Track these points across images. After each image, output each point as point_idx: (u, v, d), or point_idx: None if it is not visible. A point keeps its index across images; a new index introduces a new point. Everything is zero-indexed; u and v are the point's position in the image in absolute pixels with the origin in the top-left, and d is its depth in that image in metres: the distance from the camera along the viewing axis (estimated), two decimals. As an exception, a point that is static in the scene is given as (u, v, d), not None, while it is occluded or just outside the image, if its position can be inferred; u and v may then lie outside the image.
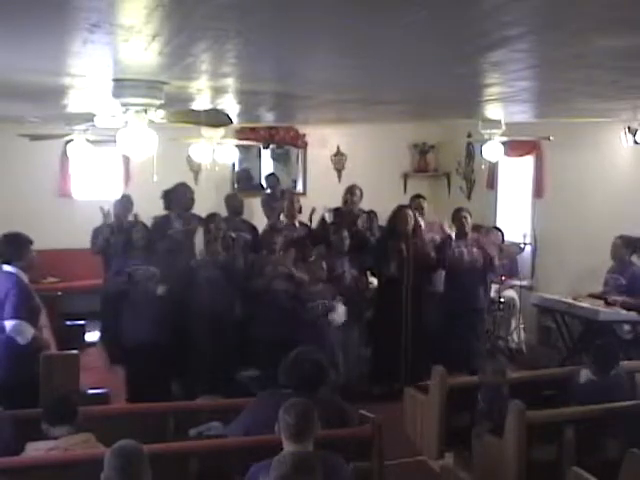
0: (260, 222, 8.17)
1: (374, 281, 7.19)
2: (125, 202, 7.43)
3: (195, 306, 6.25)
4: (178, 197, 6.97)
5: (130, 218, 7.14)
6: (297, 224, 7.53)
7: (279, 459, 2.80)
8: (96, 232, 7.19)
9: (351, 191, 7.63)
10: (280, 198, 8.62)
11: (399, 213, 6.93)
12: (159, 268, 6.15)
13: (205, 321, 6.18)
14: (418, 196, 7.71)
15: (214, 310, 6.21)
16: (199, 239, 6.51)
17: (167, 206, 7.01)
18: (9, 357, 4.87)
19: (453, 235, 6.91)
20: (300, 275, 6.40)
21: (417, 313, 6.85)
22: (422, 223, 7.10)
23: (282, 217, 7.68)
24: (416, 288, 6.84)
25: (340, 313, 6.36)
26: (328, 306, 6.31)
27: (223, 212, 7.13)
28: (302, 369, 3.76)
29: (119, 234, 6.80)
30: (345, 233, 6.81)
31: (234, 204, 7.41)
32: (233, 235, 6.60)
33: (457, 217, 7.14)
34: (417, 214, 7.05)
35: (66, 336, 6.22)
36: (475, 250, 7.04)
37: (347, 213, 7.53)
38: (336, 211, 7.55)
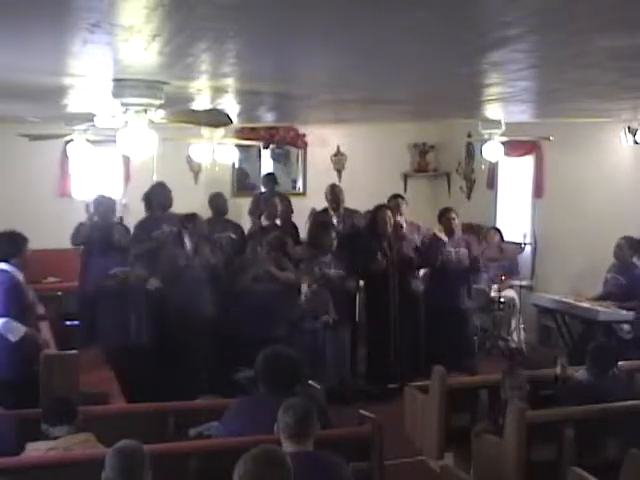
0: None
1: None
2: (109, 202, 7.13)
3: (183, 306, 6.19)
4: (156, 197, 6.93)
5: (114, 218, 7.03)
6: (278, 223, 7.52)
7: (246, 456, 2.67)
8: (80, 228, 6.94)
9: (339, 190, 7.60)
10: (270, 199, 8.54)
11: (378, 213, 6.91)
12: (146, 269, 6.14)
13: (192, 321, 6.15)
14: (396, 196, 7.56)
15: (201, 311, 6.21)
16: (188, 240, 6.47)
17: (148, 207, 6.97)
18: (3, 355, 4.87)
19: (443, 237, 6.93)
20: (285, 275, 6.42)
21: (405, 313, 6.85)
22: (404, 223, 7.08)
23: (263, 218, 7.65)
24: (402, 288, 6.83)
25: None
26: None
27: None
28: (276, 368, 3.71)
29: (97, 233, 6.65)
30: (333, 233, 6.78)
31: (218, 204, 7.36)
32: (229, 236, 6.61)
33: (444, 217, 7.13)
34: (396, 214, 7.02)
35: (66, 336, 6.22)
36: (462, 250, 7.03)
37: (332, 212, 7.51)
38: (325, 212, 7.53)
